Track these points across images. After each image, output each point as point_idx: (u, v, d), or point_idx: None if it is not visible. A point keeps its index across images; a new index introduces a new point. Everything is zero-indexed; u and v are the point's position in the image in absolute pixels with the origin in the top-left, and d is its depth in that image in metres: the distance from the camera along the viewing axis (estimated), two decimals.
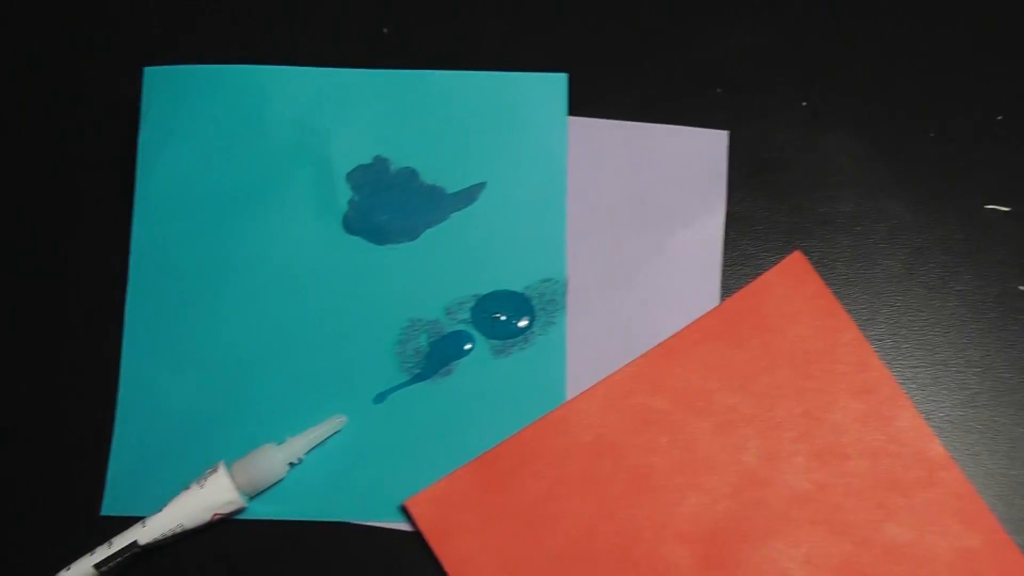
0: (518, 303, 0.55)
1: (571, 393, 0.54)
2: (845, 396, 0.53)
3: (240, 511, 0.52)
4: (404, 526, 0.53)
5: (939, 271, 0.56)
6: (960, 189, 0.56)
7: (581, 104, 0.57)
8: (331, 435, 0.53)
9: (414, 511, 0.52)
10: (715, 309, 0.55)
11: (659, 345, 0.54)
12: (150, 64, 0.56)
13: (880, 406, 0.53)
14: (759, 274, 0.55)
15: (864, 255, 0.56)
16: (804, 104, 0.58)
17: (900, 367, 0.54)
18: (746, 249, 0.56)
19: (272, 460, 0.51)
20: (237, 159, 0.55)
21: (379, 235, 0.55)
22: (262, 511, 0.53)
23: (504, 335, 0.55)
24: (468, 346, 0.55)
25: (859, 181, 0.57)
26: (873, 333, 0.55)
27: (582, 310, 0.56)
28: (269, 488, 0.52)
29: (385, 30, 0.58)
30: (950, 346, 0.55)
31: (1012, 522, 0.52)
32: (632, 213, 0.56)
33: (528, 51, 0.58)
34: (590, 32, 0.58)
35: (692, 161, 0.57)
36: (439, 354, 0.55)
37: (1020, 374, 0.54)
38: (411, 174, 0.56)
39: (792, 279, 0.55)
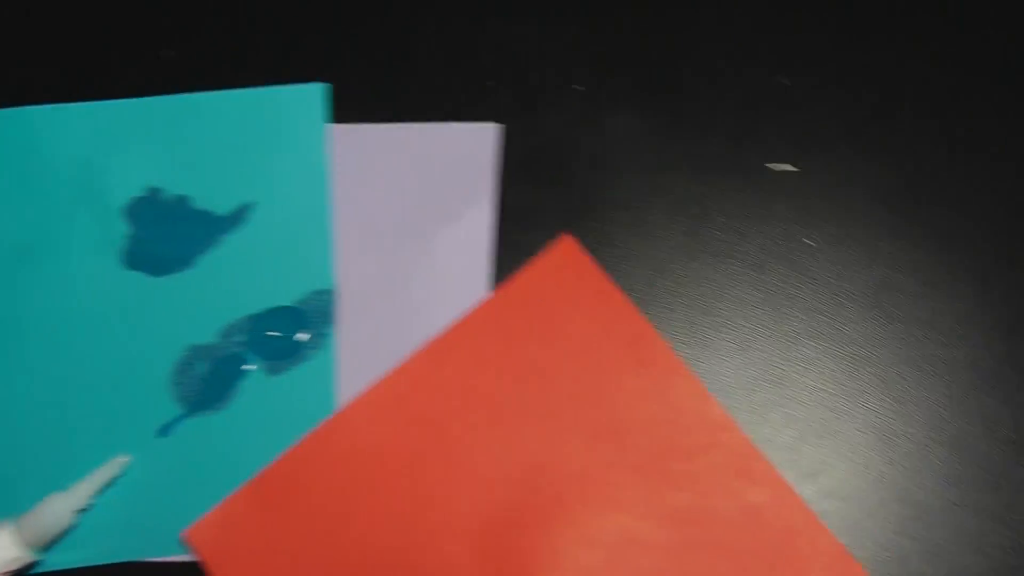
0: (291, 318, 0.55)
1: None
2: (623, 373, 0.52)
3: (32, 566, 0.52)
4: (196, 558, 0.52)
5: (722, 236, 0.53)
6: (743, 154, 0.54)
7: (353, 111, 0.56)
8: (115, 476, 0.53)
9: (194, 540, 0.51)
10: (484, 302, 0.53)
11: (426, 345, 0.53)
12: None
13: (658, 378, 0.52)
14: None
15: (645, 231, 0.54)
16: (580, 88, 0.55)
17: (686, 335, 0.53)
18: (527, 240, 0.54)
19: (57, 511, 0.51)
20: (17, 204, 0.57)
21: (157, 267, 0.56)
22: (55, 560, 0.52)
23: (279, 353, 0.54)
24: (245, 368, 0.54)
25: (638, 159, 0.54)
26: (656, 306, 0.53)
27: (356, 319, 0.54)
28: (60, 538, 0.52)
29: (160, 55, 0.58)
30: (734, 308, 0.52)
31: (797, 475, 0.51)
32: (401, 216, 0.55)
33: (298, 63, 0.57)
34: (358, 38, 0.57)
35: (460, 157, 0.55)
36: (218, 380, 0.54)
37: (806, 327, 0.51)
38: (183, 201, 0.56)
39: (562, 262, 0.53)
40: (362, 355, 0.54)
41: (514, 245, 0.54)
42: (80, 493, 0.52)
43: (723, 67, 0.55)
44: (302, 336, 0.54)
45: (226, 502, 0.52)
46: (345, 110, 0.56)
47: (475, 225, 0.55)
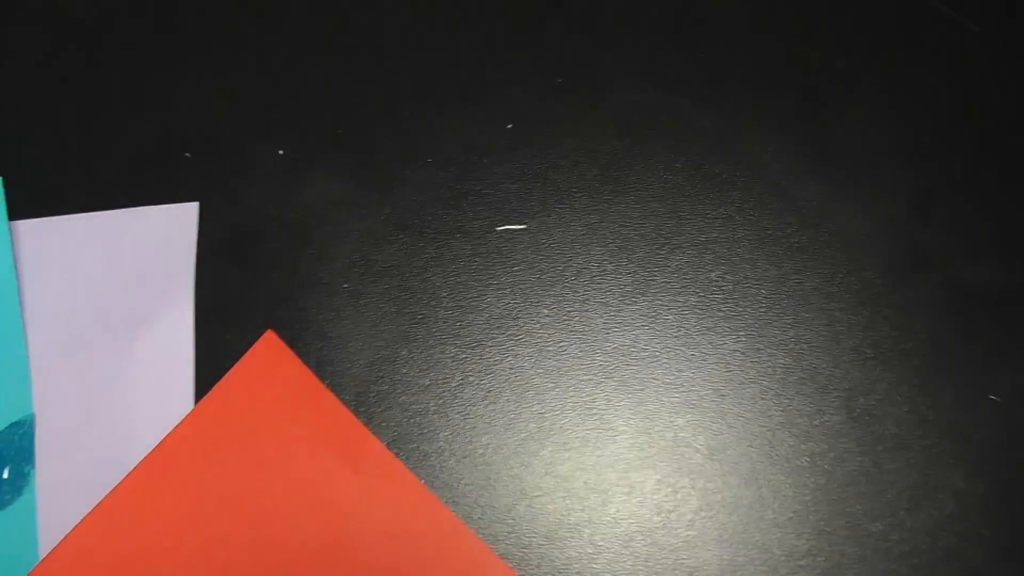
0: None
1: (47, 548, 0.48)
2: (341, 482, 0.47)
3: None
4: None
5: (447, 316, 0.48)
6: (468, 215, 0.49)
7: (35, 206, 0.50)
8: None
9: None
10: (185, 419, 0.48)
11: (122, 481, 0.48)
12: None
13: (378, 484, 0.47)
14: (236, 359, 0.48)
15: (358, 319, 0.48)
16: (280, 153, 0.50)
17: (414, 432, 0.47)
18: (228, 335, 0.49)
19: None
20: None
21: None
22: None
23: None
24: None
25: (348, 232, 0.49)
26: (370, 405, 0.47)
27: (56, 452, 0.49)
28: None
29: None
30: (457, 392, 0.47)
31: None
32: (97, 321, 0.49)
33: None
34: (30, 125, 0.52)
35: (158, 245, 0.49)
36: None
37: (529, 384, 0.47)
38: None
39: (266, 362, 0.48)
40: (66, 493, 0.48)
41: (215, 342, 0.48)
42: None
43: (435, 128, 0.50)
44: (6, 474, 0.49)
45: None
46: (24, 204, 0.50)
47: (176, 323, 0.49)
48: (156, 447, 0.48)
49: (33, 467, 0.49)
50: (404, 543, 0.46)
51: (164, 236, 0.50)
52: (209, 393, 0.48)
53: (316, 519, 0.47)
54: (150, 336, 0.49)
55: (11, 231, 0.50)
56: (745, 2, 0.52)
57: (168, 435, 0.48)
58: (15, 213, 0.50)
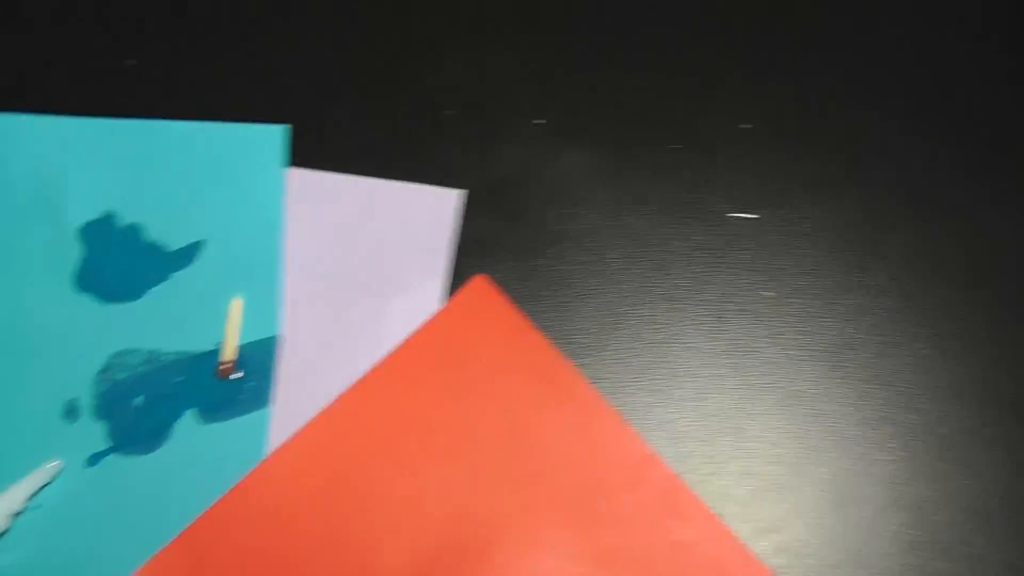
0: (235, 363, 0.53)
1: None
2: (543, 412, 0.51)
3: None
4: None
5: (682, 283, 0.52)
6: (706, 199, 0.53)
7: (312, 154, 0.55)
8: (48, 481, 0.52)
9: None
10: (399, 348, 0.52)
11: (343, 394, 0.52)
12: None
13: (579, 416, 0.51)
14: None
15: (602, 271, 0.52)
16: (538, 123, 0.55)
17: (644, 381, 0.52)
18: (475, 273, 0.53)
19: None
20: None
21: (107, 293, 0.54)
22: None
23: (216, 399, 0.52)
24: (183, 410, 0.53)
25: (599, 198, 0.54)
26: (614, 350, 0.52)
27: (294, 372, 0.53)
28: None
29: (132, 62, 0.57)
30: (692, 356, 0.51)
31: (752, 529, 0.50)
32: (353, 272, 0.54)
33: (264, 101, 0.56)
34: (318, 77, 0.57)
35: (419, 221, 0.54)
36: (152, 419, 0.53)
37: (765, 380, 0.50)
38: (136, 231, 0.55)
39: (476, 303, 0.52)
40: (296, 410, 0.52)
41: (469, 277, 0.53)
42: (14, 497, 0.51)
43: (687, 112, 0.55)
44: (240, 379, 0.53)
45: (152, 560, 0.50)
46: (307, 155, 0.55)
47: (426, 294, 0.53)
48: (370, 370, 0.52)
49: (273, 383, 0.52)
50: (600, 468, 0.50)
51: (428, 214, 0.54)
52: (422, 327, 0.52)
53: (519, 444, 0.50)
54: (400, 297, 0.53)
55: (289, 176, 0.55)
56: None
57: (381, 362, 0.52)
58: (299, 162, 0.55)
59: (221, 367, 0.52)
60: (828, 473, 0.49)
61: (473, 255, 0.53)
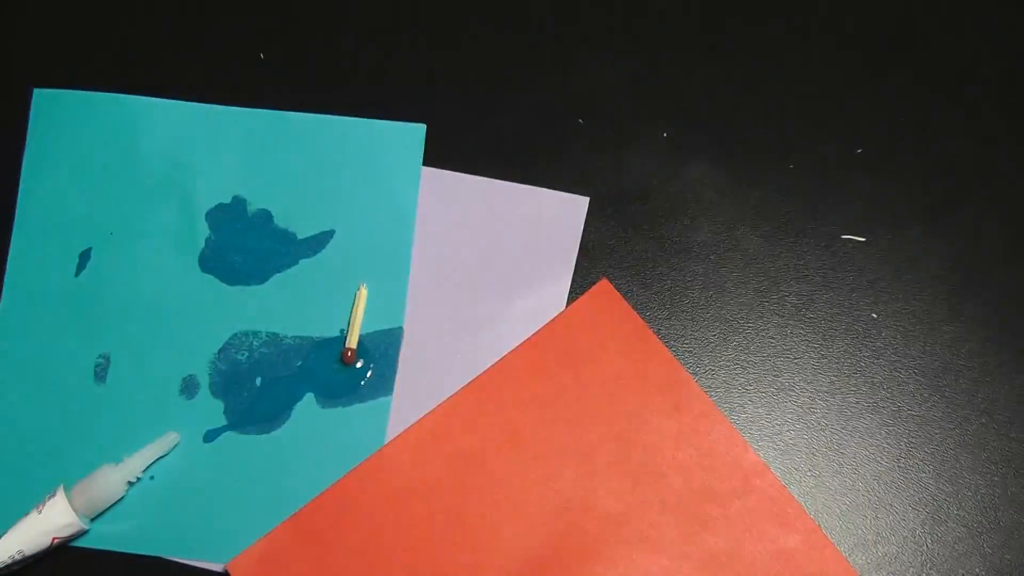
0: (356, 351, 0.55)
1: None
2: (658, 416, 0.52)
3: (80, 535, 0.52)
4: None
5: (792, 299, 0.54)
6: (817, 220, 0.55)
7: (441, 153, 0.57)
8: (166, 452, 0.53)
9: (237, 573, 0.51)
10: (523, 344, 0.54)
11: (467, 385, 0.53)
12: (39, 86, 0.59)
13: (693, 422, 0.52)
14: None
15: (717, 283, 0.55)
16: (664, 135, 0.57)
17: (754, 393, 0.54)
18: (597, 276, 0.55)
19: (110, 480, 0.52)
20: (111, 187, 0.57)
21: (231, 275, 0.56)
22: (99, 532, 0.53)
23: (337, 385, 0.54)
24: (302, 393, 0.54)
25: (717, 211, 0.56)
26: (723, 359, 0.54)
27: (417, 364, 0.54)
28: (109, 509, 0.53)
29: (262, 55, 0.59)
30: (798, 372, 0.53)
31: (850, 543, 0.52)
32: (478, 271, 0.55)
33: (396, 99, 0.58)
34: (454, 76, 0.58)
35: (546, 224, 0.56)
36: (271, 400, 0.54)
37: (867, 399, 0.52)
38: (266, 216, 0.57)
39: (600, 306, 0.54)
40: (416, 401, 0.54)
41: (592, 282, 0.55)
42: (132, 465, 0.53)
43: (803, 136, 0.57)
44: (361, 367, 0.54)
45: (270, 536, 0.52)
46: (440, 156, 0.57)
47: (552, 299, 0.55)
48: (495, 364, 0.54)
49: (395, 372, 0.54)
50: (711, 474, 0.52)
51: (557, 219, 0.56)
52: (546, 324, 0.54)
53: (634, 444, 0.52)
54: (525, 301, 0.55)
55: (424, 174, 0.57)
56: None
57: (505, 357, 0.54)
58: (429, 161, 0.57)
59: (345, 354, 0.54)
60: (923, 493, 0.51)
61: (594, 260, 0.55)
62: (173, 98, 0.58)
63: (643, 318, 0.54)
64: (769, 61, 0.58)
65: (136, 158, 0.58)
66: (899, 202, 0.56)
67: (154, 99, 0.58)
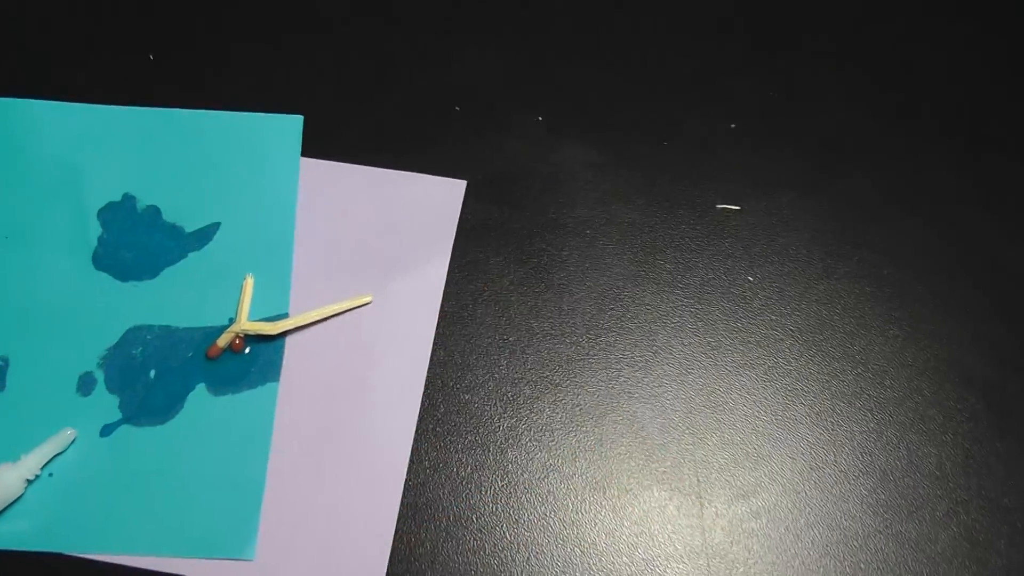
0: (243, 341, 0.56)
1: (278, 435, 0.54)
2: None
3: None
4: (128, 560, 0.53)
5: (669, 267, 0.55)
6: (693, 192, 0.57)
7: (322, 144, 0.58)
8: (63, 449, 0.54)
9: None
10: None
11: None
12: None
13: None
14: (488, 279, 0.56)
15: (593, 256, 0.56)
16: (540, 119, 0.59)
17: (629, 359, 0.54)
18: (477, 256, 0.56)
19: (7, 478, 0.52)
20: (1, 191, 0.58)
21: (124, 272, 0.57)
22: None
23: (227, 374, 0.55)
24: (195, 383, 0.55)
25: (592, 188, 0.57)
26: (600, 327, 0.55)
27: (301, 349, 0.55)
28: (7, 508, 0.53)
29: (151, 57, 0.61)
30: (675, 335, 0.54)
31: (730, 494, 0.53)
32: (360, 257, 0.57)
33: (279, 93, 0.59)
34: (332, 69, 0.60)
35: (425, 210, 0.57)
36: (164, 392, 0.55)
37: (745, 358, 0.54)
38: (155, 212, 0.58)
39: None
40: (303, 387, 0.55)
41: (471, 261, 0.56)
42: (30, 463, 0.53)
43: (676, 114, 0.59)
44: (248, 355, 0.55)
45: None
46: (317, 146, 0.58)
47: (430, 281, 0.56)
48: None
49: (282, 358, 0.55)
50: None
51: (434, 203, 0.57)
52: None
53: None
54: (403, 283, 0.56)
55: (303, 165, 0.58)
56: None
57: None
58: (309, 152, 0.58)
59: (234, 342, 0.55)
60: (801, 443, 0.53)
61: (473, 241, 0.56)
62: (58, 100, 0.59)
63: (520, 293, 0.55)
64: (642, 43, 0.60)
65: (26, 161, 0.59)
66: (772, 171, 0.58)
67: (40, 101, 0.60)
